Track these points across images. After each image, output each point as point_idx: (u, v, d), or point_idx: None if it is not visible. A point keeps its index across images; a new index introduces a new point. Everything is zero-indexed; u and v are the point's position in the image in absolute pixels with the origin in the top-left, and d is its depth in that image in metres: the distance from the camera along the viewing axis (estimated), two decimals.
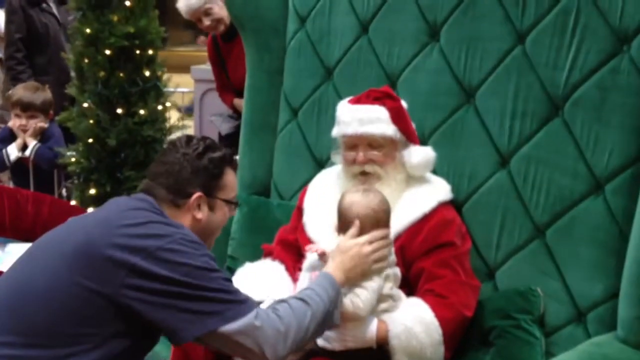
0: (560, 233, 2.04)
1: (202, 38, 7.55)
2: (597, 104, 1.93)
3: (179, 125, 3.68)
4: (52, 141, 3.82)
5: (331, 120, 2.31)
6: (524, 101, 2.11)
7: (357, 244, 1.91)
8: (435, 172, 2.24)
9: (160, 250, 1.60)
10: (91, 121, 3.39)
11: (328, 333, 1.92)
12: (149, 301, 1.58)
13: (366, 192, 2.00)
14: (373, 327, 1.95)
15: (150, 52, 3.44)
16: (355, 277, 1.89)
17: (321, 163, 2.65)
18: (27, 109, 3.80)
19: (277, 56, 2.77)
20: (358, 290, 1.91)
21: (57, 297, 1.59)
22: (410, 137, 2.17)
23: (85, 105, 3.41)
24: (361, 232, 1.95)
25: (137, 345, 1.65)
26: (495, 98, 2.19)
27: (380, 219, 1.97)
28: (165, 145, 3.46)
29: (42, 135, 3.85)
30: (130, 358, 1.66)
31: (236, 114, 4.13)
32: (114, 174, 3.41)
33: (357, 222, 1.94)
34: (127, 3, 3.35)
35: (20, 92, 3.86)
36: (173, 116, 3.71)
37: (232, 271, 2.44)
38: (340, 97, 2.43)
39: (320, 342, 1.94)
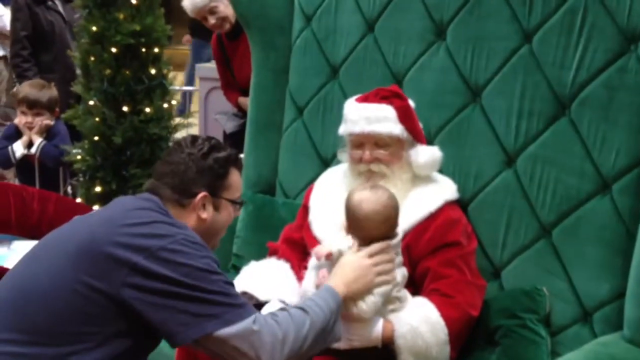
0: (566, 232, 2.03)
1: (186, 37, 7.56)
2: (604, 104, 1.93)
3: (184, 123, 3.69)
4: (57, 139, 3.83)
5: (336, 119, 2.30)
6: (531, 100, 2.11)
7: (359, 256, 1.91)
8: (441, 171, 2.23)
9: (162, 250, 1.61)
10: (97, 119, 3.39)
11: None
12: (149, 301, 1.59)
13: (374, 188, 1.99)
14: (379, 327, 1.95)
15: (156, 50, 3.44)
16: (358, 289, 1.88)
17: (326, 162, 2.65)
18: (33, 106, 3.81)
19: (282, 55, 2.77)
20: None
21: (61, 296, 1.60)
22: (417, 136, 2.17)
23: (91, 103, 3.42)
24: (370, 229, 1.94)
25: (139, 345, 1.65)
26: (501, 97, 2.18)
27: (389, 215, 1.96)
28: (170, 144, 3.49)
29: (48, 133, 3.86)
30: (132, 358, 1.66)
31: (241, 112, 4.13)
32: (120, 171, 3.41)
33: (375, 246, 1.92)
34: (133, 1, 3.36)
35: (26, 89, 3.87)
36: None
37: (237, 269, 2.45)
38: (346, 96, 2.43)
39: None
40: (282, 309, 1.73)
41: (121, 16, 3.34)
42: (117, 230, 1.64)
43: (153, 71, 3.42)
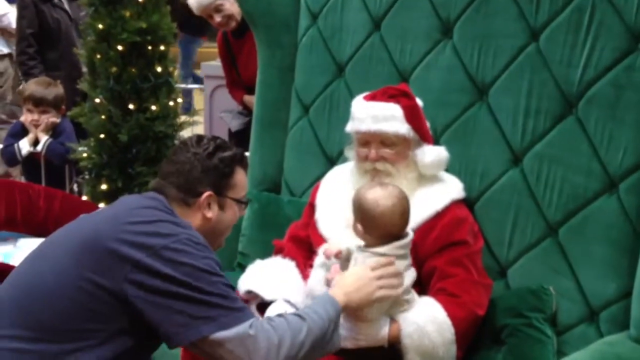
0: (573, 231, 2.03)
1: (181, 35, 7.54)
2: (611, 102, 1.92)
3: (190, 121, 3.69)
4: (63, 136, 3.84)
5: (342, 117, 2.30)
6: (538, 99, 2.10)
7: (363, 268, 1.90)
8: (447, 170, 2.23)
9: (165, 249, 1.62)
10: (103, 117, 3.40)
11: (340, 331, 1.92)
12: (149, 300, 1.59)
13: (383, 185, 1.99)
14: (385, 326, 1.94)
15: (162, 47, 3.44)
16: (359, 300, 1.86)
17: (332, 160, 2.65)
18: (39, 104, 3.81)
19: (288, 53, 2.77)
20: None
21: (65, 293, 1.61)
22: (424, 136, 2.16)
23: (97, 100, 3.42)
24: (388, 226, 1.94)
25: (141, 343, 1.66)
26: (508, 96, 2.18)
27: (405, 208, 1.96)
28: (176, 142, 3.49)
29: (54, 131, 3.87)
30: (135, 357, 1.67)
31: (246, 110, 4.13)
32: (126, 169, 3.42)
33: (381, 260, 1.91)
34: None
35: (32, 87, 3.88)
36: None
37: (242, 267, 2.45)
38: (352, 94, 2.42)
39: None
40: (278, 315, 1.73)
41: (127, 14, 3.35)
42: (121, 227, 1.65)
43: (159, 69, 3.43)
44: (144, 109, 3.42)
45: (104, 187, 3.41)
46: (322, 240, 2.17)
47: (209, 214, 1.80)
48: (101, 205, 3.31)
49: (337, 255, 1.98)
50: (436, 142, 2.27)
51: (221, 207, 1.82)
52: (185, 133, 3.71)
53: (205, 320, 1.60)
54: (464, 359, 2.03)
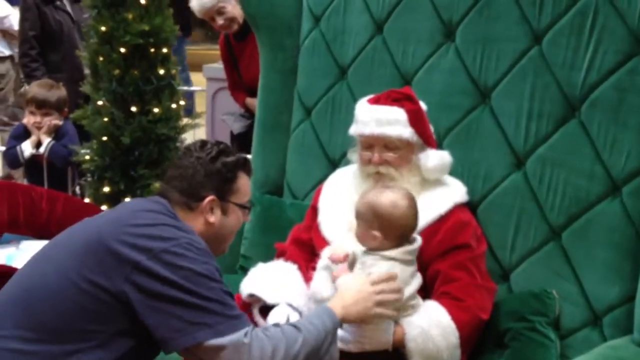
0: (576, 235, 2.03)
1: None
2: (614, 105, 1.92)
3: (192, 124, 3.69)
4: (66, 139, 3.84)
5: (345, 120, 2.30)
6: (540, 102, 2.10)
7: (363, 282, 1.89)
8: (449, 173, 2.22)
9: (165, 253, 1.62)
10: (105, 119, 3.39)
11: (344, 335, 1.92)
12: (147, 304, 1.60)
13: (391, 187, 2.00)
14: (390, 330, 1.94)
15: (165, 50, 3.44)
16: (356, 314, 1.85)
17: (334, 163, 2.65)
18: (41, 106, 3.82)
19: (290, 55, 2.77)
20: None
21: (67, 294, 1.62)
22: (428, 140, 2.16)
23: (100, 103, 3.42)
24: (407, 226, 1.95)
25: (143, 347, 1.66)
26: (511, 99, 2.18)
27: (416, 206, 1.98)
28: (178, 144, 3.50)
29: (57, 133, 3.87)
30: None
31: (248, 113, 4.13)
32: (128, 171, 3.41)
33: (382, 275, 1.91)
34: (142, 1, 3.36)
35: (35, 89, 3.88)
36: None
37: (245, 270, 2.45)
38: (354, 97, 2.42)
39: None
40: (275, 325, 1.74)
41: (130, 16, 3.35)
42: (124, 229, 1.66)
43: (162, 71, 3.42)
44: (146, 111, 3.41)
45: (106, 189, 3.41)
46: (324, 243, 2.17)
47: (212, 219, 1.80)
48: (103, 207, 3.31)
49: (345, 258, 1.99)
50: (439, 145, 2.27)
51: (224, 212, 1.82)
52: (187, 136, 3.72)
53: (201, 327, 1.60)
54: None
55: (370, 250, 1.98)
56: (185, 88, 3.75)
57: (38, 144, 3.82)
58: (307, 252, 2.26)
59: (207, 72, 5.63)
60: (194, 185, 1.79)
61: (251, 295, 2.16)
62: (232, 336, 1.61)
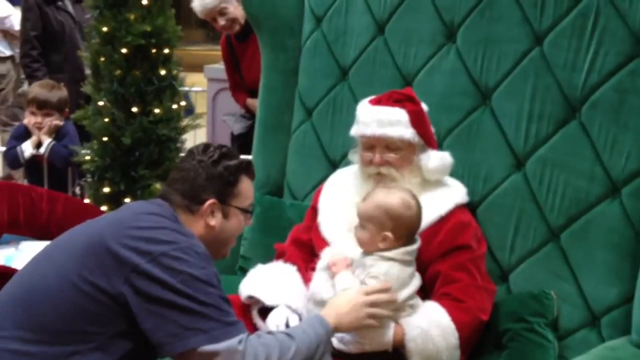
0: (575, 236, 2.03)
1: None
2: (615, 107, 1.92)
3: (193, 124, 3.69)
4: (67, 139, 3.84)
5: (346, 121, 2.30)
6: (541, 103, 2.11)
7: (357, 292, 1.90)
8: (450, 174, 2.23)
9: (164, 256, 1.63)
10: (106, 119, 3.39)
11: (344, 335, 1.92)
12: (144, 307, 1.61)
13: (395, 188, 2.01)
14: (390, 330, 1.94)
15: (166, 50, 3.44)
16: (348, 323, 1.86)
17: (335, 163, 2.65)
18: (42, 106, 3.82)
19: (292, 56, 2.77)
20: None
21: (67, 295, 1.63)
22: (429, 141, 2.17)
23: (101, 103, 3.42)
24: (418, 222, 1.98)
25: (141, 349, 1.66)
26: (511, 100, 2.18)
27: (421, 208, 2.00)
28: (179, 145, 3.50)
29: (57, 133, 3.87)
30: None
31: (249, 113, 4.14)
32: (128, 172, 3.41)
33: (376, 286, 1.92)
34: (144, 2, 3.36)
35: (36, 89, 3.88)
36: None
37: (244, 271, 2.45)
38: (356, 98, 2.43)
39: (336, 344, 1.94)
40: (268, 332, 1.74)
41: (132, 17, 3.35)
42: (124, 231, 1.67)
43: (163, 72, 3.42)
44: (147, 112, 3.41)
45: (106, 189, 3.41)
46: (324, 243, 2.18)
47: (213, 222, 1.80)
48: (104, 208, 3.32)
49: (349, 266, 1.99)
50: (439, 146, 2.27)
51: (225, 215, 1.82)
52: (188, 136, 3.72)
53: (196, 332, 1.61)
54: None
55: (370, 251, 1.98)
56: (187, 89, 3.74)
57: (38, 145, 3.82)
58: (306, 253, 2.26)
59: (208, 73, 5.63)
60: (195, 188, 1.80)
61: (250, 297, 2.16)
62: (227, 343, 1.62)
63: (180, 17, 3.73)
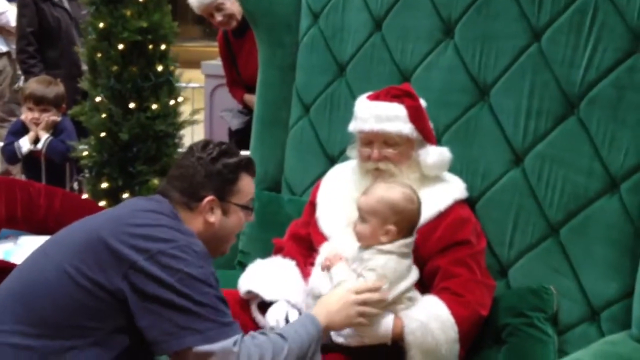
0: (574, 231, 2.03)
1: None
2: (613, 103, 1.93)
3: (190, 120, 3.69)
4: (64, 135, 3.84)
5: (343, 117, 2.30)
6: (539, 99, 2.11)
7: (348, 291, 1.90)
8: (449, 170, 2.23)
9: (162, 254, 1.63)
10: (103, 115, 3.39)
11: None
12: (140, 305, 1.61)
13: (393, 182, 2.02)
14: (389, 323, 1.94)
15: (163, 46, 3.44)
16: (339, 322, 1.87)
17: (333, 159, 2.65)
18: (39, 102, 3.82)
19: (289, 52, 2.77)
20: None
21: (66, 290, 1.63)
22: (427, 136, 2.16)
23: (98, 99, 3.42)
24: (419, 215, 1.98)
25: (138, 347, 1.67)
26: (510, 96, 2.18)
27: (420, 202, 2.00)
28: (176, 141, 3.50)
29: (55, 129, 3.87)
30: (134, 358, 1.68)
31: (246, 109, 4.14)
32: (126, 168, 3.42)
33: (367, 285, 1.92)
34: None
35: (33, 85, 3.88)
36: (186, 111, 3.71)
37: (243, 266, 2.45)
38: (353, 94, 2.43)
39: (335, 337, 1.95)
40: (261, 333, 1.75)
41: (128, 13, 3.35)
42: (123, 228, 1.67)
43: (160, 68, 3.43)
44: (144, 107, 3.42)
45: (104, 185, 3.41)
46: (323, 238, 2.18)
47: (212, 219, 1.80)
48: (101, 203, 3.32)
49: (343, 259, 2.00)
50: (438, 142, 2.27)
51: (224, 212, 1.82)
52: (185, 132, 3.72)
53: (191, 332, 1.61)
54: (465, 358, 2.03)
55: (368, 245, 1.99)
56: (184, 84, 3.74)
57: (36, 140, 3.82)
58: (305, 248, 2.27)
59: (205, 69, 5.63)
60: (194, 185, 1.80)
61: (249, 292, 2.16)
62: (222, 344, 1.62)
63: (177, 14, 3.72)
